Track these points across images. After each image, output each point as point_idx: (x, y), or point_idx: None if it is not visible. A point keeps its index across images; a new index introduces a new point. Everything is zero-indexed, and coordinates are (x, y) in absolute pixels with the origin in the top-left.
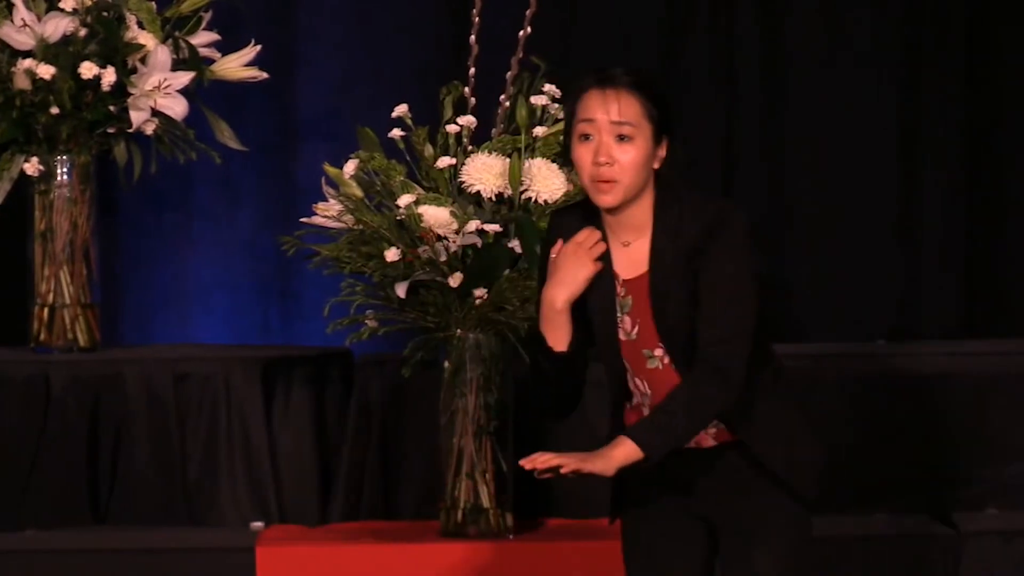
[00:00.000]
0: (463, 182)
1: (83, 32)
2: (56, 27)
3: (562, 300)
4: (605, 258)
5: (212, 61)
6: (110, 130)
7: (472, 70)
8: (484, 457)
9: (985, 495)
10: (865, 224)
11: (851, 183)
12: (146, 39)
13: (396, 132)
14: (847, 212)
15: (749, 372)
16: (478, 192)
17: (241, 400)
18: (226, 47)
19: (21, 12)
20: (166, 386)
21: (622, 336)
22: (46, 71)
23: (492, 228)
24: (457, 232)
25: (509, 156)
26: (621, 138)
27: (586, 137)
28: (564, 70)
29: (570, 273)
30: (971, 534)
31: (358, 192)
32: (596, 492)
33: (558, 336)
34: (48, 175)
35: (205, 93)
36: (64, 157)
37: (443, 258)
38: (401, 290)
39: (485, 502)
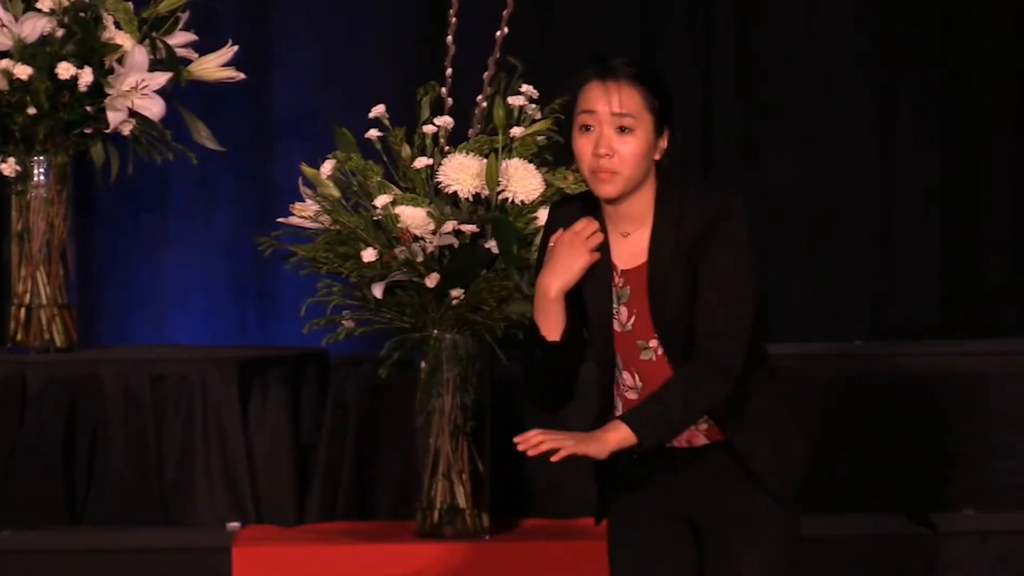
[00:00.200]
0: (440, 182)
1: (60, 32)
2: (33, 27)
3: (556, 288)
4: (603, 249)
5: (189, 61)
6: (87, 130)
7: (449, 70)
8: (461, 457)
9: (962, 495)
10: (842, 224)
11: (829, 183)
12: (123, 39)
13: (373, 132)
14: (824, 212)
15: (744, 370)
16: (455, 192)
17: (218, 400)
18: (203, 48)
19: None
20: (143, 386)
21: (616, 327)
22: (23, 71)
23: (469, 228)
24: (434, 232)
25: (486, 156)
26: (622, 130)
27: (587, 128)
28: (541, 70)
29: (565, 262)
30: (948, 534)
31: (335, 192)
32: (572, 492)
33: (551, 325)
34: (25, 175)
35: (182, 93)
36: (41, 157)
37: (420, 258)
38: (378, 290)
39: (461, 502)
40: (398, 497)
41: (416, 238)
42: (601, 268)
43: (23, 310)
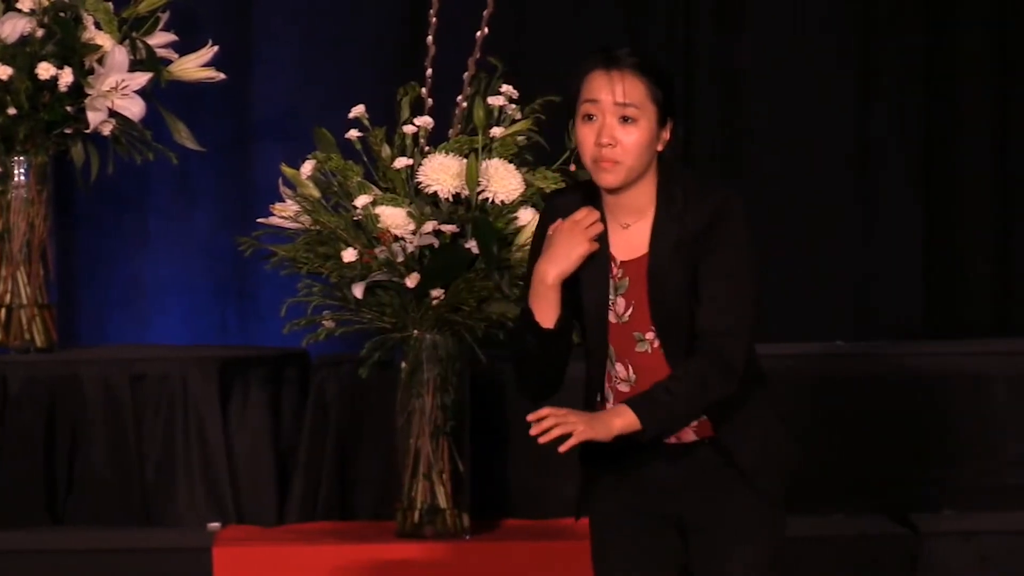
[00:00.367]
0: (420, 183)
1: (40, 33)
2: (13, 28)
3: (553, 276)
4: (602, 240)
5: (169, 62)
6: (67, 131)
7: (429, 71)
8: (441, 458)
9: (943, 496)
10: (823, 226)
11: (810, 185)
12: (103, 40)
13: (353, 133)
14: (805, 214)
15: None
16: (435, 192)
17: (198, 400)
18: (183, 48)
19: None
20: (123, 386)
21: (612, 318)
22: (3, 72)
23: (449, 229)
24: (414, 233)
25: (466, 157)
26: (625, 120)
27: (590, 117)
28: (521, 71)
29: (564, 250)
30: (929, 535)
31: (315, 192)
32: (552, 493)
33: (546, 312)
34: (5, 176)
35: (162, 94)
36: (21, 158)
37: (400, 259)
38: (358, 291)
39: (442, 502)
40: (378, 497)
41: (396, 238)
42: (599, 258)
43: (3, 310)
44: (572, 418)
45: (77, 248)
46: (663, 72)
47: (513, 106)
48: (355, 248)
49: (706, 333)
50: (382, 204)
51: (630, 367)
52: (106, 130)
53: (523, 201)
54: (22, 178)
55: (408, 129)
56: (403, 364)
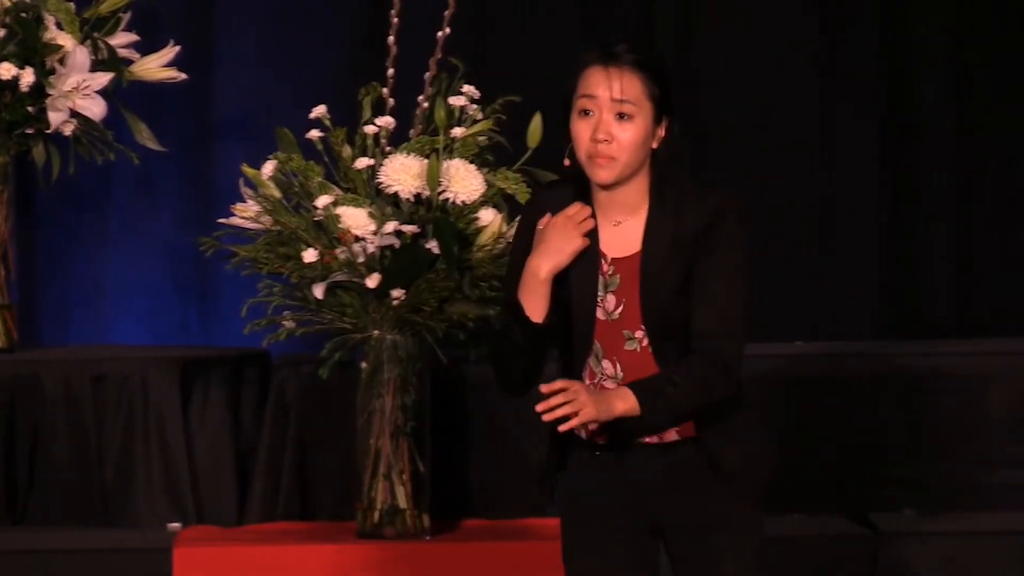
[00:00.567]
0: (381, 183)
1: (1, 33)
2: None
3: (546, 270)
4: (591, 236)
5: (131, 62)
6: (28, 131)
7: (390, 71)
8: (401, 458)
9: (903, 496)
10: (783, 228)
11: (772, 180)
12: (65, 40)
13: (314, 133)
14: (767, 215)
15: None
16: (396, 193)
17: (158, 401)
18: (145, 48)
19: None
20: (83, 387)
21: (601, 315)
22: None
23: (410, 229)
24: (375, 233)
25: (427, 157)
26: (621, 116)
27: (586, 113)
28: (483, 71)
29: (557, 244)
30: (888, 534)
31: (276, 193)
32: (513, 493)
33: (537, 306)
34: None
35: (124, 94)
36: None
37: (361, 259)
38: (319, 291)
39: (402, 503)
40: (339, 497)
41: (357, 238)
42: (589, 255)
43: None
44: (583, 397)
45: (38, 248)
46: (661, 69)
47: (474, 106)
48: (316, 248)
49: (705, 335)
50: (343, 204)
51: (618, 365)
52: (67, 130)
53: (484, 201)
54: None
55: (369, 129)
56: (363, 364)
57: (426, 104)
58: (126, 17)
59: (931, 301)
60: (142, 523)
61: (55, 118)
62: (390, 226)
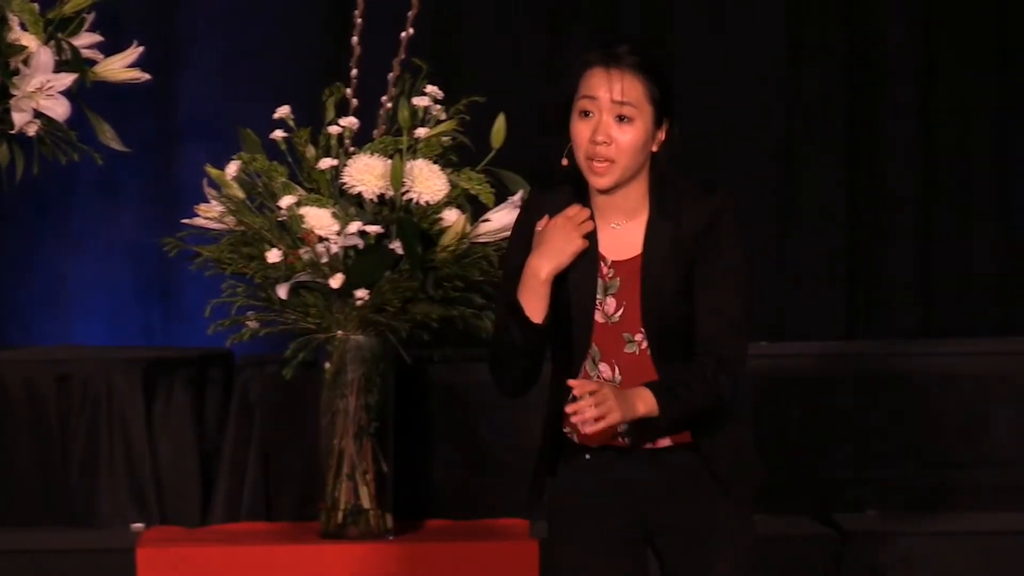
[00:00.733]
0: (345, 183)
1: None
2: None
3: (547, 271)
4: (590, 238)
5: (94, 62)
6: None
7: (354, 71)
8: (365, 458)
9: (866, 496)
10: (749, 228)
11: (735, 188)
12: (28, 40)
13: (278, 133)
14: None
15: None
16: (360, 193)
17: (122, 401)
18: (108, 48)
19: None
20: (47, 387)
21: (599, 318)
22: None
23: (373, 229)
24: (339, 233)
25: (391, 157)
26: (621, 118)
27: (586, 114)
28: (446, 72)
29: (557, 246)
30: (852, 535)
31: (240, 193)
32: (476, 493)
33: (537, 307)
34: None
35: (87, 94)
36: None
37: (324, 259)
38: (282, 291)
39: (365, 503)
40: (303, 498)
41: (321, 239)
42: (587, 258)
43: None
44: (611, 401)
45: (1, 249)
46: (662, 72)
47: (438, 107)
48: (279, 249)
49: (710, 339)
50: (307, 205)
51: (616, 368)
52: (31, 131)
53: (448, 202)
54: None
55: (333, 130)
56: (327, 365)
57: (390, 104)
58: (90, 18)
59: (893, 302)
60: (106, 524)
61: (19, 119)
62: (354, 226)
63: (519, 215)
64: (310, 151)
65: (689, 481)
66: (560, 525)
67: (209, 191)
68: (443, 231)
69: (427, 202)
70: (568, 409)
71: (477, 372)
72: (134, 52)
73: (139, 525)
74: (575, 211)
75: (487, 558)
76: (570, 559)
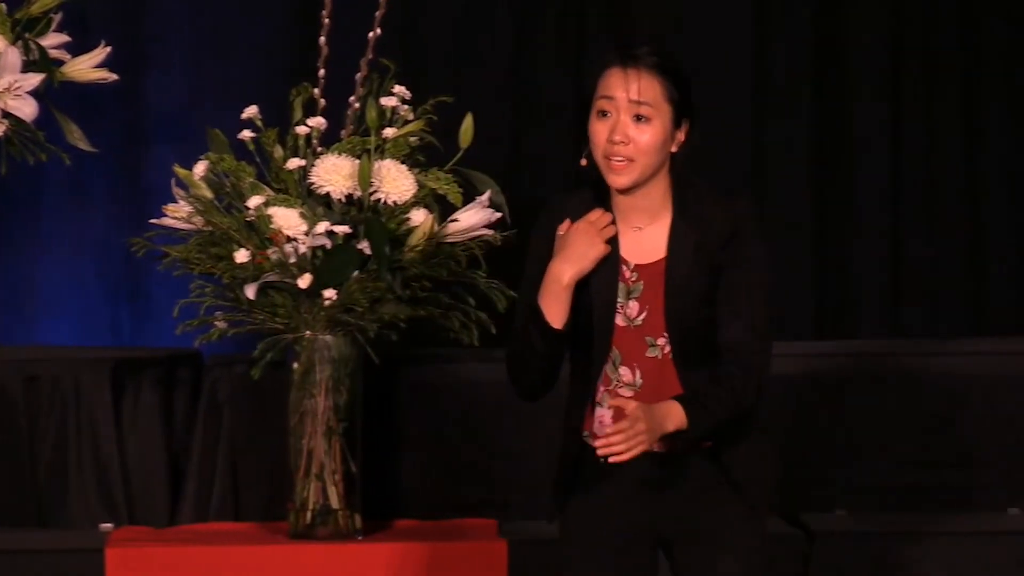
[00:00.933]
0: (313, 183)
1: None
2: None
3: (569, 276)
4: (611, 242)
5: (62, 63)
6: None
7: (322, 71)
8: (333, 458)
9: (835, 496)
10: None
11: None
12: None
13: (246, 133)
14: None
15: None
16: (327, 193)
17: (90, 401)
18: (76, 49)
19: None
20: (15, 387)
21: (620, 321)
22: None
23: (341, 229)
24: (307, 233)
25: (359, 157)
26: (639, 118)
27: (604, 114)
28: (414, 72)
29: (579, 250)
30: (821, 535)
31: (208, 193)
32: (445, 493)
33: (558, 312)
34: None
35: (55, 94)
36: None
37: (292, 259)
38: (250, 291)
39: (334, 503)
40: (271, 498)
41: (289, 239)
42: (609, 261)
43: None
44: (641, 435)
45: None
46: (681, 72)
47: (405, 107)
48: (248, 249)
49: (734, 347)
50: (274, 205)
51: (637, 372)
52: None
53: (415, 202)
54: None
55: (301, 130)
56: (295, 365)
57: (357, 105)
58: (57, 18)
59: (861, 303)
60: (74, 524)
61: None
62: (322, 226)
63: (540, 219)
64: (278, 151)
65: (706, 485)
66: (573, 525)
67: (177, 191)
68: (411, 231)
69: (395, 202)
70: (597, 443)
71: (445, 372)
72: (102, 52)
73: (108, 525)
74: (597, 215)
75: (456, 558)
76: (582, 560)
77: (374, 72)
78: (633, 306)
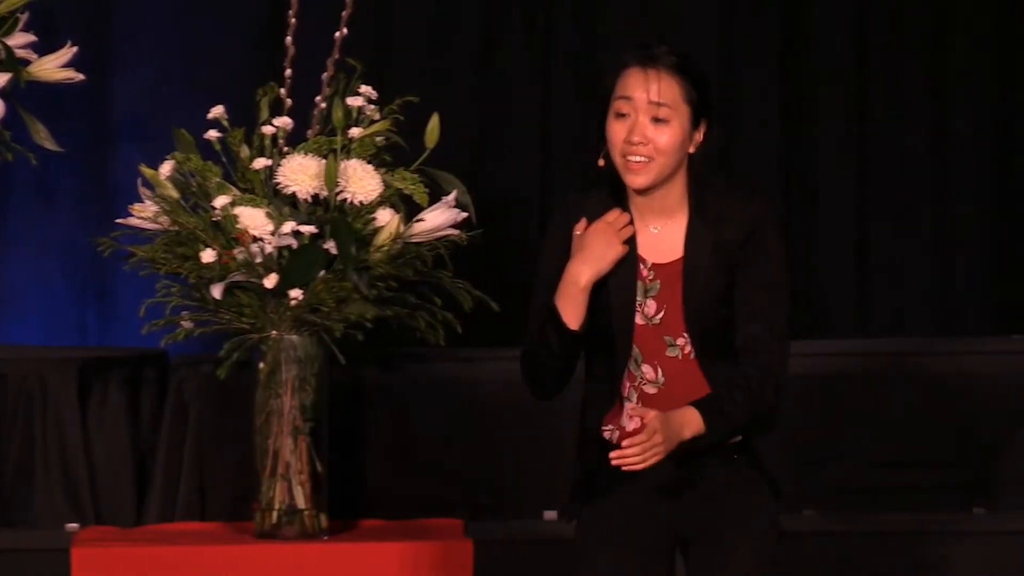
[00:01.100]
0: (279, 183)
1: None
2: None
3: (587, 278)
4: (630, 242)
5: (28, 62)
6: None
7: (288, 71)
8: (299, 458)
9: (803, 497)
10: None
11: None
12: None
13: (212, 133)
14: None
15: None
16: (294, 193)
17: (57, 401)
18: (42, 48)
19: None
20: None
21: (639, 320)
22: None
23: (307, 229)
24: (273, 233)
25: (325, 157)
26: (657, 119)
27: (622, 115)
28: (380, 72)
29: (598, 252)
30: (789, 536)
31: (174, 193)
32: (411, 493)
33: (575, 313)
34: None
35: (21, 94)
36: None
37: (259, 259)
38: (217, 291)
39: (300, 503)
40: (237, 498)
41: (255, 239)
42: (627, 260)
43: None
44: (658, 447)
45: None
46: (700, 72)
47: (372, 107)
48: (214, 249)
49: (754, 348)
50: (241, 205)
51: (659, 370)
52: None
53: (382, 202)
54: None
55: (267, 130)
56: (261, 364)
57: (324, 104)
58: (24, 17)
59: (827, 302)
60: (40, 523)
61: None
62: (288, 226)
63: (556, 218)
64: (244, 151)
65: (722, 483)
66: (592, 526)
67: (143, 191)
68: (377, 231)
69: (361, 202)
70: (613, 455)
71: (412, 372)
72: (68, 52)
73: (74, 525)
74: (615, 216)
75: (422, 558)
76: (601, 561)
77: (341, 72)
78: (651, 305)
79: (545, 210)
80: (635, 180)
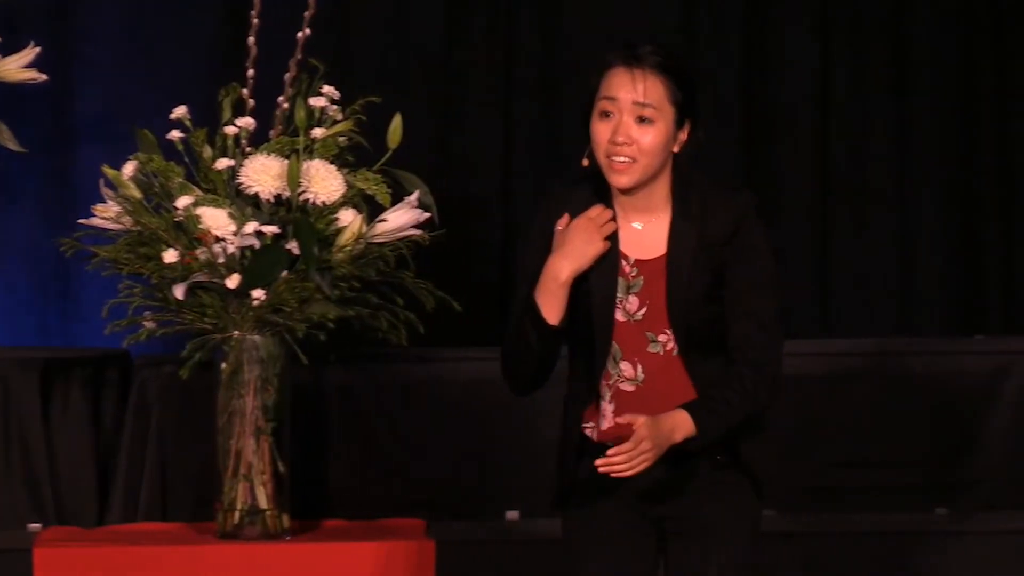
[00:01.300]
0: (241, 183)
1: None
2: None
3: (567, 273)
4: (612, 239)
5: None
6: None
7: (251, 72)
8: (261, 458)
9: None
10: None
11: None
12: None
13: (175, 134)
14: None
15: None
16: (256, 193)
17: (19, 401)
18: (4, 49)
19: None
20: None
21: (621, 317)
22: None
23: (270, 230)
24: (235, 233)
25: (287, 158)
26: (642, 120)
27: (606, 115)
28: (343, 72)
29: (579, 247)
30: None
31: (136, 194)
32: (373, 492)
33: (554, 309)
34: None
35: None
36: None
37: (221, 260)
38: (179, 292)
39: (262, 503)
40: (200, 498)
41: (217, 239)
42: (608, 256)
43: None
44: (647, 453)
45: None
46: (685, 73)
47: (334, 107)
48: (176, 249)
49: (747, 347)
50: (203, 205)
51: (639, 367)
52: None
53: (344, 202)
54: None
55: (229, 130)
56: (223, 365)
57: (286, 105)
58: None
59: (791, 301)
60: (2, 523)
61: None
62: (250, 227)
63: (539, 213)
64: (207, 151)
65: (707, 481)
66: (578, 520)
67: (106, 191)
68: (340, 231)
69: (323, 202)
70: (599, 463)
71: (373, 372)
72: (31, 52)
73: (36, 525)
74: (597, 212)
75: (384, 558)
76: (586, 556)
77: (303, 72)
78: (633, 301)
79: (508, 210)
80: (619, 180)
